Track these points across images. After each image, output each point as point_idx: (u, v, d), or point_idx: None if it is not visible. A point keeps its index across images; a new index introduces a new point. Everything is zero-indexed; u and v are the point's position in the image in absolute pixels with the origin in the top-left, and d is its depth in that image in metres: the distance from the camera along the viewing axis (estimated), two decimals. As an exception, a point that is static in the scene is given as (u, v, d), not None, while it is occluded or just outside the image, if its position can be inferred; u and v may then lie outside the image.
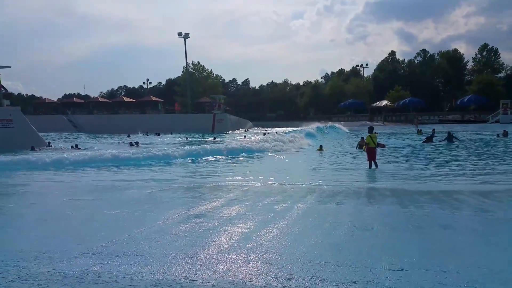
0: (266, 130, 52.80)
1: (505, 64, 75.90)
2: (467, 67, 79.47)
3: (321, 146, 23.51)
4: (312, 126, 36.41)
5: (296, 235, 5.74)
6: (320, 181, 11.67)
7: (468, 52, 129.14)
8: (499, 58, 76.20)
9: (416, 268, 4.32)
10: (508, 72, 73.80)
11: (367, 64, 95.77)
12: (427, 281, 3.97)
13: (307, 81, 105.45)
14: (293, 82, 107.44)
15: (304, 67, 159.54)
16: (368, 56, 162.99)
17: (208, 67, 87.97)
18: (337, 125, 41.59)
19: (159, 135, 43.19)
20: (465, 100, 62.14)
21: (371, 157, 14.16)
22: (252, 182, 11.45)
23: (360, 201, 8.68)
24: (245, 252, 4.92)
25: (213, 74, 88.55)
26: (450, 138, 25.93)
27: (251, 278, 4.08)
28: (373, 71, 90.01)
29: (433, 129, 29.03)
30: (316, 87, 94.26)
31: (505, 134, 29.45)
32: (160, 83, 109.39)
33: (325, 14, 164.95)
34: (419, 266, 4.37)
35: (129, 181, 12.03)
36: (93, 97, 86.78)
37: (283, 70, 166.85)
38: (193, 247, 5.10)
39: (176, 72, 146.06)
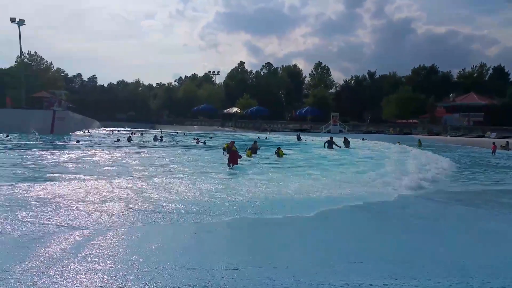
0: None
1: (335, 81, 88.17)
2: (305, 82, 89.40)
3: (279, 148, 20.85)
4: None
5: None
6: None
7: (306, 68, 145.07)
8: (331, 75, 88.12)
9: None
10: (337, 88, 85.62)
11: (218, 72, 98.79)
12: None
13: (160, 83, 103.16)
14: (146, 83, 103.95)
15: (157, 69, 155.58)
16: (219, 64, 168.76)
17: (48, 59, 78.68)
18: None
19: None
20: (303, 111, 69.64)
21: (233, 161, 15.19)
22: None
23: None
24: None
25: (53, 67, 79.39)
26: (330, 143, 26.90)
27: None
28: (224, 78, 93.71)
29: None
30: (170, 89, 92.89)
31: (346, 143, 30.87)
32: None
33: (177, 17, 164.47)
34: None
35: None
36: None
37: (134, 69, 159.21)
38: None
39: (7, 62, 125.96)
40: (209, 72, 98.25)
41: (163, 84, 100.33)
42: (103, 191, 9.09)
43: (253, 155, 19.83)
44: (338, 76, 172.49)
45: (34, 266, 4.25)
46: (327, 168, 15.49)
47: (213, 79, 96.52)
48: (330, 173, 13.89)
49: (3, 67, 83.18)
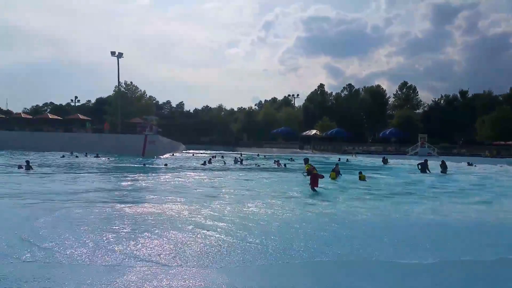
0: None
1: (422, 102, 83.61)
2: (389, 102, 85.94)
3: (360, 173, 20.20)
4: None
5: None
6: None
7: (389, 88, 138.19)
8: (417, 95, 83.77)
9: None
10: (425, 108, 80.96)
11: (298, 95, 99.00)
12: None
13: (241, 107, 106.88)
14: (228, 107, 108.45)
15: (238, 94, 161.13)
16: (298, 87, 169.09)
17: (142, 87, 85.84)
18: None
19: (98, 156, 37.32)
20: (387, 132, 66.68)
21: (315, 183, 14.41)
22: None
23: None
24: None
25: (146, 95, 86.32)
26: (424, 165, 25.17)
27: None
28: (303, 101, 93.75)
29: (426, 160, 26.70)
30: (250, 113, 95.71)
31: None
32: (89, 101, 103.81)
33: (259, 44, 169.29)
34: None
35: None
36: (16, 113, 79.18)
37: (217, 95, 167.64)
38: None
39: (107, 91, 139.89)
40: (288, 95, 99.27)
41: (244, 108, 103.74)
42: (196, 217, 9.36)
43: (336, 177, 19.66)
44: (426, 96, 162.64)
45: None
46: (435, 197, 14.09)
47: (293, 102, 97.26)
48: (442, 202, 12.72)
49: (102, 96, 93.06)
